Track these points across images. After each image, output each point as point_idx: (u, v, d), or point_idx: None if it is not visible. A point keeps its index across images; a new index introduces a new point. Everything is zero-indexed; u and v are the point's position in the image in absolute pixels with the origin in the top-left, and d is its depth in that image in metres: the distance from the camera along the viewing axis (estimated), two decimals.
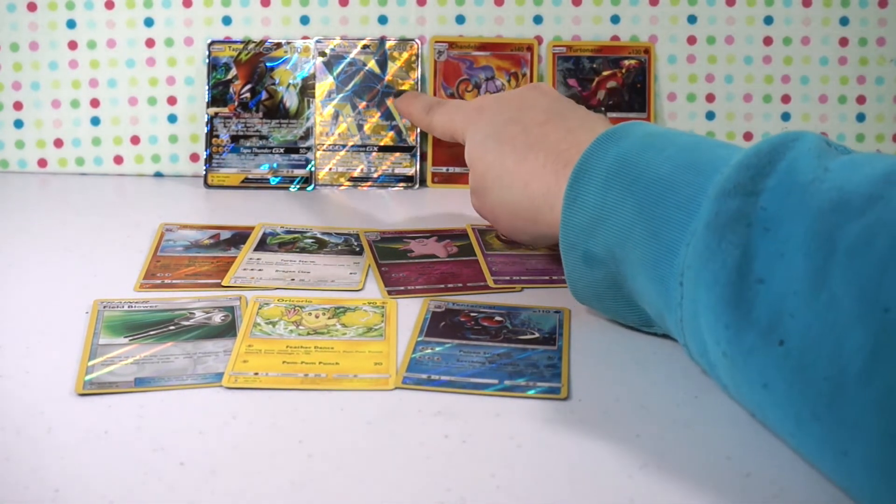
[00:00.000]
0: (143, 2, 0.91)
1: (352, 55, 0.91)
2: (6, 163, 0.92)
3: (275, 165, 0.90)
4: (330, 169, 0.91)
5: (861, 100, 0.92)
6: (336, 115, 0.91)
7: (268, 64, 0.91)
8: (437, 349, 0.63)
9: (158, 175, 0.93)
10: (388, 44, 0.91)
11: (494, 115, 0.72)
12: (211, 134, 0.90)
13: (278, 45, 0.91)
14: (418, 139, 0.91)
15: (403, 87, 0.91)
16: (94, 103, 0.92)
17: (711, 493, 0.50)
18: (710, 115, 0.93)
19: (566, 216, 0.63)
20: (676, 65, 0.92)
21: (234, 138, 0.90)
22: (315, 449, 0.53)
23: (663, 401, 0.58)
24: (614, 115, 0.92)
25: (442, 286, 0.71)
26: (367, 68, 0.91)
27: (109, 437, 0.54)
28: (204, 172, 0.90)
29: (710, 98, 0.93)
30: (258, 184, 0.90)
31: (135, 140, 0.92)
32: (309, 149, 0.90)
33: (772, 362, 0.50)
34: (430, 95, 0.89)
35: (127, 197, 0.89)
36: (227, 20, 0.92)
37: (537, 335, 0.65)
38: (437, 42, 0.92)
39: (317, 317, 0.66)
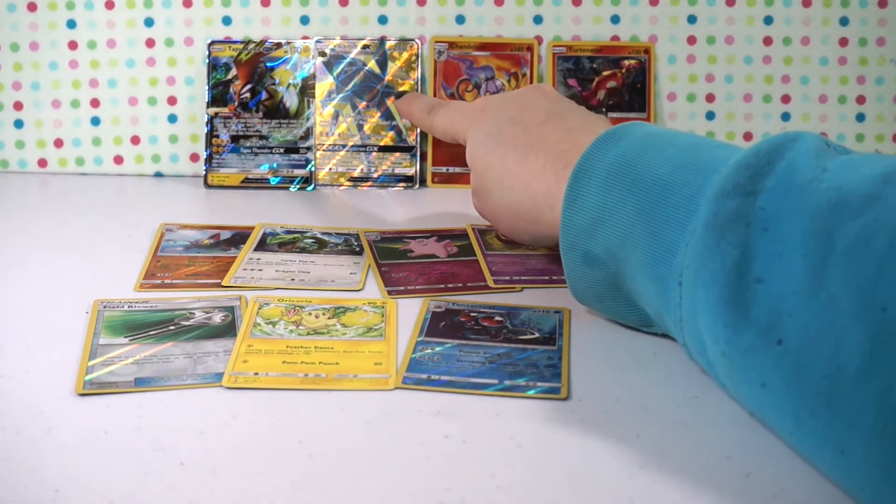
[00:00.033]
0: (143, 2, 0.91)
1: (352, 55, 0.91)
2: (6, 163, 0.92)
3: (275, 165, 0.90)
4: (330, 169, 0.91)
5: (861, 100, 0.92)
6: (336, 115, 0.91)
7: (268, 64, 0.91)
8: (437, 349, 0.63)
9: (158, 175, 0.93)
10: (388, 44, 0.91)
11: (495, 116, 0.72)
12: (211, 134, 0.90)
13: (278, 45, 0.91)
14: (418, 139, 0.91)
15: (403, 88, 0.91)
16: (94, 103, 0.92)
17: (711, 493, 0.50)
18: (710, 115, 0.93)
19: (566, 216, 0.63)
20: (676, 65, 0.92)
21: (234, 138, 0.90)
22: (315, 449, 0.53)
23: (663, 401, 0.58)
24: (614, 115, 0.92)
25: (442, 286, 0.71)
26: (367, 68, 0.91)
27: (109, 437, 0.54)
28: (204, 172, 0.90)
29: (710, 98, 0.93)
30: (258, 184, 0.90)
31: (135, 140, 0.93)
32: (309, 149, 0.90)
33: (770, 361, 0.50)
34: (430, 96, 0.89)
35: (127, 197, 0.89)
36: (227, 20, 0.92)
37: (537, 335, 0.65)
38: (437, 42, 0.92)
39: (317, 317, 0.66)
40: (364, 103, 0.91)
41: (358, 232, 0.80)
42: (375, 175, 0.91)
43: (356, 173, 0.91)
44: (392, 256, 0.76)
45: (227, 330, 0.65)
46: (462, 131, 0.76)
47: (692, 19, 0.92)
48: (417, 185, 0.91)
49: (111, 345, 0.63)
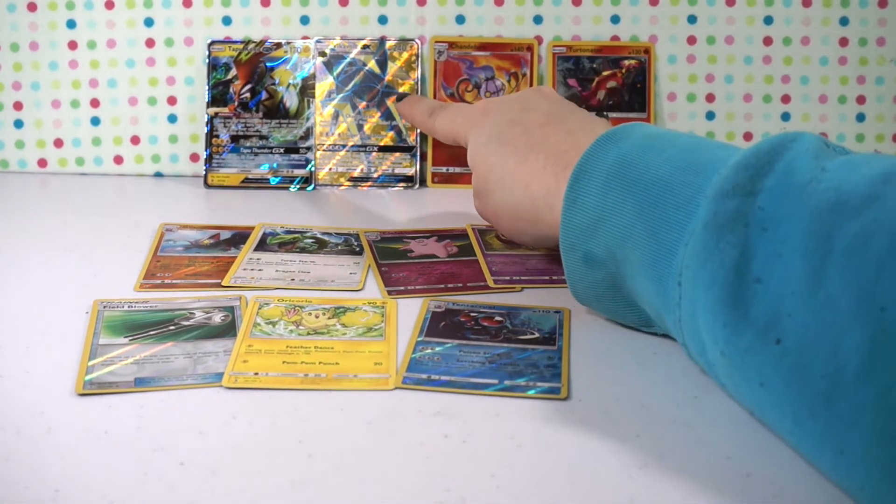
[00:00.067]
0: (143, 2, 0.91)
1: (352, 55, 0.91)
2: (6, 163, 0.92)
3: (275, 165, 0.90)
4: (330, 169, 0.91)
5: (861, 100, 0.92)
6: (336, 115, 0.91)
7: (268, 64, 0.91)
8: (437, 349, 0.63)
9: (158, 175, 0.93)
10: (388, 44, 0.91)
11: (496, 118, 0.72)
12: (211, 134, 0.90)
13: (278, 45, 0.91)
14: (418, 139, 0.91)
15: (403, 88, 0.91)
16: (94, 103, 0.92)
17: (711, 493, 0.50)
18: (710, 115, 0.93)
19: (566, 217, 0.63)
20: (676, 65, 0.92)
21: (234, 138, 0.90)
22: (315, 449, 0.53)
23: (663, 401, 0.58)
24: (614, 115, 0.92)
25: (442, 286, 0.71)
26: (367, 68, 0.91)
27: (109, 437, 0.54)
28: (204, 172, 0.90)
29: (710, 98, 0.93)
30: (258, 184, 0.90)
31: (135, 140, 0.93)
32: (309, 149, 0.90)
33: (769, 361, 0.50)
34: (431, 99, 0.89)
35: (127, 197, 0.89)
36: (227, 20, 0.92)
37: (537, 335, 0.65)
38: (437, 42, 0.92)
39: (317, 317, 0.66)
40: (364, 103, 0.91)
41: (358, 232, 0.80)
42: (375, 175, 0.91)
43: (356, 173, 0.91)
44: (392, 256, 0.76)
45: (227, 330, 0.65)
46: (463, 133, 0.76)
47: (692, 19, 0.92)
48: (417, 185, 0.91)
49: (111, 345, 0.63)
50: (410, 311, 0.67)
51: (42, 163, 0.92)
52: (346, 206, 0.87)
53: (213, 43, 0.91)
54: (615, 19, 0.92)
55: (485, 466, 0.52)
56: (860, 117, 0.93)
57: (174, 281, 0.71)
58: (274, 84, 0.91)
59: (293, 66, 0.91)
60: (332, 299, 0.69)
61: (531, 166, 0.68)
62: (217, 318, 0.66)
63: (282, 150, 0.90)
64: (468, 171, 0.90)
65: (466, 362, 0.61)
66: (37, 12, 0.91)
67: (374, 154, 0.91)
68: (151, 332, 0.64)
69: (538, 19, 0.92)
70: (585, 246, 0.62)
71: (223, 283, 0.71)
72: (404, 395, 0.58)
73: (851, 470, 0.47)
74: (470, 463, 0.52)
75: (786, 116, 0.93)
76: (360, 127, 0.91)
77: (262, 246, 0.77)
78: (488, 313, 0.67)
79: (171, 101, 0.92)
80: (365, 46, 0.91)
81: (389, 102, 0.91)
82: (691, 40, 0.92)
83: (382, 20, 0.92)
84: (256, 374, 0.60)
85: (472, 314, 0.67)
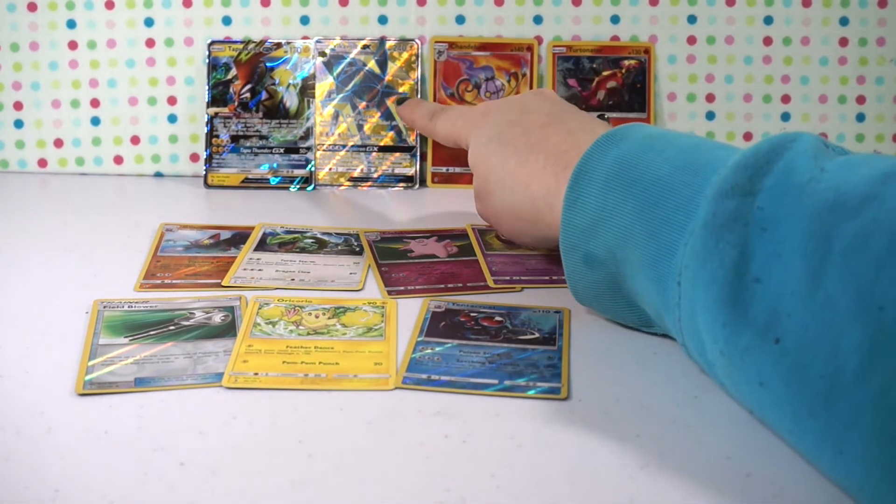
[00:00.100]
0: (143, 2, 0.91)
1: (352, 55, 0.91)
2: (6, 163, 0.92)
3: (275, 165, 0.90)
4: (330, 169, 0.91)
5: (861, 100, 0.92)
6: (336, 115, 0.91)
7: (268, 64, 0.91)
8: (437, 349, 0.63)
9: (158, 175, 0.93)
10: (388, 44, 0.91)
11: (497, 119, 0.73)
12: (211, 134, 0.90)
13: (278, 45, 0.91)
14: (418, 139, 0.91)
15: (403, 88, 0.91)
16: (94, 103, 0.92)
17: (711, 493, 0.50)
18: (710, 115, 0.93)
19: (566, 218, 0.63)
20: (676, 65, 0.92)
21: (234, 138, 0.90)
22: (315, 449, 0.53)
23: (663, 401, 0.58)
24: (614, 115, 0.92)
25: (442, 286, 0.71)
26: (367, 68, 0.91)
27: (109, 437, 0.54)
28: (204, 172, 0.90)
29: (710, 98, 0.93)
30: (258, 184, 0.90)
31: (135, 140, 0.93)
32: (309, 149, 0.90)
33: (769, 361, 0.50)
34: (431, 102, 0.89)
35: (127, 197, 0.89)
36: (227, 20, 0.92)
37: (537, 335, 0.65)
38: (437, 42, 0.92)
39: (317, 317, 0.66)
40: (364, 103, 0.91)
41: (358, 232, 0.80)
42: (375, 175, 0.91)
43: (356, 173, 0.91)
44: (392, 256, 0.76)
45: (227, 330, 0.65)
46: (464, 135, 0.77)
47: (692, 19, 0.92)
48: (417, 185, 0.91)
49: (111, 345, 0.63)
50: (410, 311, 0.67)
51: (42, 163, 0.92)
52: (346, 206, 0.87)
53: (213, 43, 0.91)
54: (615, 19, 0.92)
55: (485, 466, 0.52)
56: (860, 117, 0.93)
57: (174, 281, 0.71)
58: (274, 84, 0.91)
59: (293, 66, 0.91)
60: (332, 299, 0.69)
61: (531, 167, 0.68)
62: (217, 318, 0.66)
63: (282, 150, 0.90)
64: (468, 171, 0.90)
65: (466, 362, 0.61)
66: (37, 12, 0.91)
67: (374, 154, 0.91)
68: (151, 332, 0.64)
69: (538, 19, 0.92)
70: (586, 246, 0.62)
71: (223, 283, 0.71)
72: (404, 395, 0.58)
73: (850, 469, 0.47)
74: (470, 463, 0.52)
75: (786, 116, 0.93)
76: (360, 127, 0.91)
77: (262, 246, 0.77)
78: (488, 313, 0.67)
79: (171, 101, 0.92)
80: (365, 46, 0.91)
81: (389, 103, 0.91)
82: (691, 40, 0.92)
83: (382, 20, 0.92)
84: (256, 374, 0.60)
85: (472, 314, 0.67)
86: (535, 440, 0.54)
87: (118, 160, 0.93)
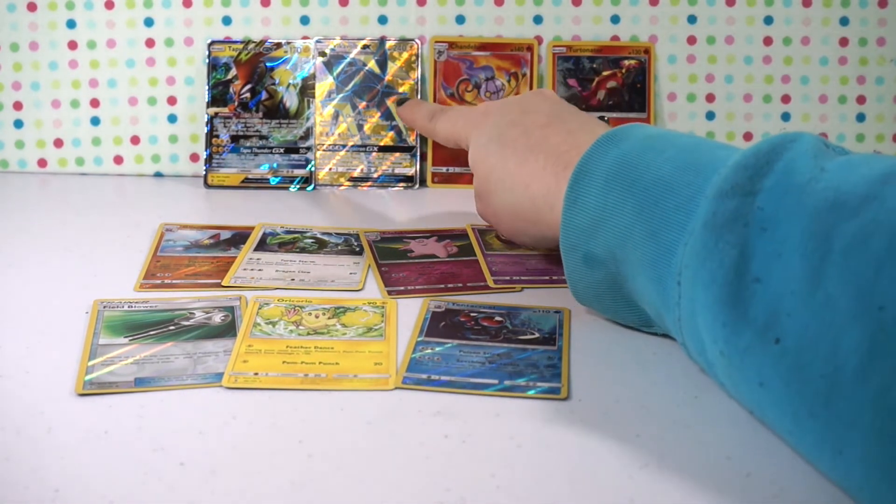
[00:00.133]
0: (143, 2, 0.91)
1: (352, 55, 0.91)
2: (6, 163, 0.92)
3: (275, 165, 0.90)
4: (330, 169, 0.91)
5: (861, 100, 0.92)
6: (336, 115, 0.91)
7: (268, 64, 0.91)
8: (437, 349, 0.63)
9: (158, 175, 0.93)
10: (388, 44, 0.91)
11: (497, 119, 0.73)
12: (211, 134, 0.90)
13: (278, 45, 0.91)
14: (418, 139, 0.91)
15: (403, 88, 0.91)
16: (94, 103, 0.92)
17: (711, 493, 0.50)
18: (710, 115, 0.93)
19: (566, 217, 0.63)
20: (676, 65, 0.92)
21: (234, 138, 0.90)
22: (315, 449, 0.53)
23: (663, 401, 0.58)
24: (614, 115, 0.92)
25: (442, 286, 0.71)
26: (367, 68, 0.91)
27: (109, 437, 0.54)
28: (204, 172, 0.90)
29: (710, 98, 0.93)
30: (258, 184, 0.90)
31: (135, 140, 0.93)
32: (309, 149, 0.90)
33: (768, 361, 0.50)
34: (431, 103, 0.89)
35: (127, 197, 0.89)
36: (227, 20, 0.92)
37: (537, 335, 0.65)
38: (437, 42, 0.92)
39: (317, 317, 0.66)
40: (364, 103, 0.91)
41: (358, 232, 0.80)
42: (375, 175, 0.91)
43: (356, 173, 0.91)
44: (392, 256, 0.76)
45: (227, 330, 0.65)
46: (464, 136, 0.77)
47: (692, 19, 0.92)
48: (417, 185, 0.91)
49: (111, 345, 0.63)
50: (410, 311, 0.67)
51: (42, 163, 0.92)
52: (346, 206, 0.87)
53: (213, 43, 0.91)
54: (615, 19, 0.92)
55: (485, 466, 0.52)
56: (860, 117, 0.93)
57: (174, 281, 0.71)
58: (274, 84, 0.91)
59: (293, 66, 0.91)
60: (332, 299, 0.69)
61: (531, 167, 0.68)
62: (217, 318, 0.66)
63: (282, 150, 0.90)
64: (468, 171, 0.90)
65: (466, 362, 0.61)
66: (37, 12, 0.91)
67: (374, 154, 0.91)
68: (151, 332, 0.64)
69: (538, 19, 0.92)
70: (586, 246, 0.62)
71: (223, 283, 0.71)
72: (404, 395, 0.58)
73: (850, 469, 0.47)
74: (470, 463, 0.52)
75: (786, 116, 0.93)
76: (360, 127, 0.91)
77: (262, 246, 0.77)
78: (488, 313, 0.67)
79: (171, 101, 0.92)
80: (365, 46, 0.91)
81: (389, 103, 0.91)
82: (691, 40, 0.92)
83: (382, 20, 0.92)
84: (256, 374, 0.60)
85: (472, 314, 0.67)
86: (535, 440, 0.54)
87: (118, 160, 0.93)
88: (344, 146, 0.91)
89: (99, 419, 0.55)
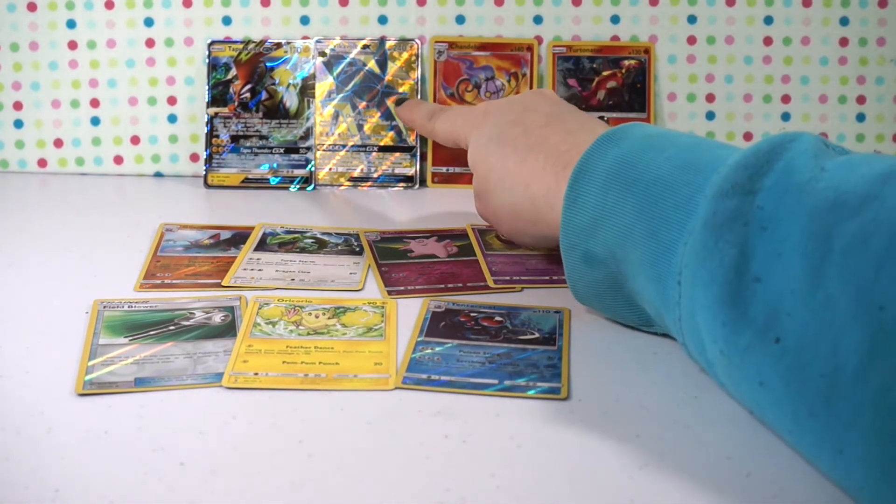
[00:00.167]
0: (143, 2, 0.91)
1: (352, 55, 0.91)
2: (6, 163, 0.92)
3: (275, 165, 0.90)
4: (330, 169, 0.91)
5: (861, 100, 0.92)
6: (336, 115, 0.91)
7: (268, 64, 0.91)
8: (437, 349, 0.63)
9: (158, 175, 0.93)
10: (388, 44, 0.91)
11: (497, 119, 0.73)
12: (211, 134, 0.90)
13: (278, 45, 0.91)
14: (418, 139, 0.91)
15: (403, 88, 0.91)
16: (94, 103, 0.92)
17: (711, 493, 0.50)
18: (710, 115, 0.93)
19: (566, 217, 0.63)
20: (676, 65, 0.92)
21: (234, 138, 0.90)
22: (315, 449, 0.53)
23: (663, 401, 0.58)
24: (614, 115, 0.92)
25: (442, 286, 0.71)
26: (367, 68, 0.91)
27: (109, 437, 0.54)
28: (204, 172, 0.90)
29: (710, 98, 0.93)
30: (258, 184, 0.90)
31: (135, 140, 0.93)
32: (309, 149, 0.90)
33: (769, 360, 0.50)
34: (430, 102, 0.89)
35: (127, 197, 0.89)
36: (227, 20, 0.92)
37: (537, 335, 0.65)
38: (437, 42, 0.92)
39: (317, 317, 0.66)
40: (364, 103, 0.91)
41: (358, 232, 0.80)
42: (375, 175, 0.91)
43: (356, 173, 0.91)
44: (392, 256, 0.76)
45: (227, 330, 0.65)
46: (464, 135, 0.77)
47: (692, 19, 0.92)
48: (417, 185, 0.91)
49: (111, 345, 0.63)
50: (410, 311, 0.67)
51: (42, 163, 0.92)
52: (346, 206, 0.87)
53: (213, 43, 0.91)
54: (615, 19, 0.92)
55: (485, 466, 0.52)
56: (860, 117, 0.93)
57: (174, 281, 0.71)
58: (274, 84, 0.91)
59: (293, 66, 0.91)
60: (332, 299, 0.69)
61: (531, 166, 0.68)
62: (217, 318, 0.66)
63: (282, 150, 0.90)
64: (468, 171, 0.90)
65: (466, 362, 0.61)
66: (37, 12, 0.91)
67: (374, 154, 0.91)
68: (151, 332, 0.64)
69: (538, 19, 0.92)
70: (585, 245, 0.62)
71: (223, 283, 0.71)
72: (404, 395, 0.58)
73: (850, 469, 0.47)
74: (470, 463, 0.52)
75: (786, 116, 0.93)
76: (360, 127, 0.91)
77: (262, 246, 0.77)
78: (488, 313, 0.67)
79: (171, 101, 0.92)
80: (365, 46, 0.91)
81: (389, 103, 0.91)
82: (691, 40, 0.92)
83: (382, 20, 0.92)
84: (256, 374, 0.60)
85: (472, 314, 0.67)
86: (535, 440, 0.54)
87: (118, 160, 0.93)
88: (344, 146, 0.91)
89: (99, 419, 0.55)
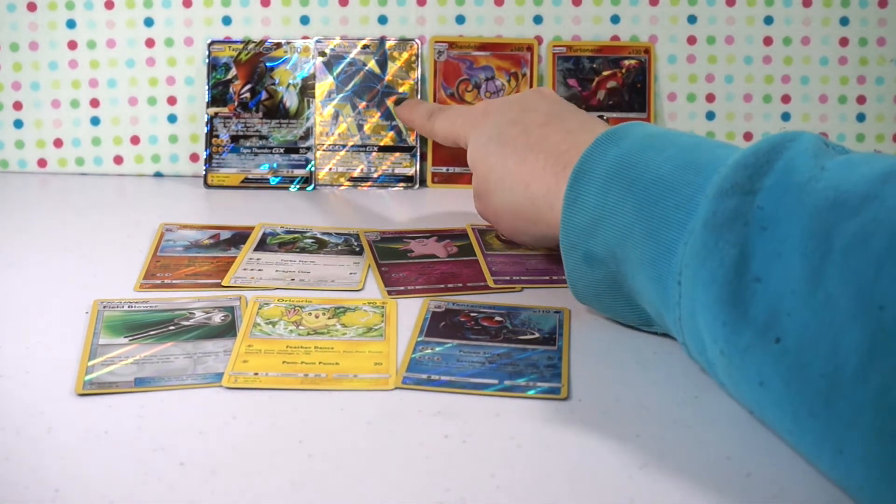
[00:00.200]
0: (143, 2, 0.91)
1: (352, 55, 0.91)
2: (6, 163, 0.92)
3: (275, 165, 0.90)
4: (330, 169, 0.91)
5: (861, 100, 0.92)
6: (336, 115, 0.91)
7: (268, 64, 0.91)
8: (437, 349, 0.63)
9: (158, 175, 0.93)
10: (388, 44, 0.91)
11: (497, 118, 0.73)
12: (211, 134, 0.90)
13: (278, 45, 0.91)
14: (418, 139, 0.91)
15: (403, 88, 0.91)
16: (94, 103, 0.92)
17: (711, 493, 0.50)
18: (710, 115, 0.93)
19: (566, 216, 0.63)
20: (676, 65, 0.92)
21: (234, 138, 0.90)
22: (315, 449, 0.53)
23: (663, 401, 0.58)
24: (614, 115, 0.92)
25: (442, 286, 0.71)
26: (367, 68, 0.91)
27: (109, 437, 0.54)
28: (204, 172, 0.90)
29: (710, 98, 0.93)
30: (258, 184, 0.90)
31: (135, 140, 0.93)
32: (309, 149, 0.90)
33: (769, 360, 0.50)
34: (430, 102, 0.89)
35: (127, 197, 0.89)
36: (227, 20, 0.92)
37: (537, 335, 0.65)
38: (437, 42, 0.92)
39: (317, 317, 0.66)
40: (364, 103, 0.91)
41: (358, 232, 0.80)
42: (375, 175, 0.91)
43: (356, 173, 0.91)
44: (392, 256, 0.76)
45: (227, 330, 0.65)
46: (463, 135, 0.77)
47: (692, 19, 0.92)
48: (417, 185, 0.91)
49: (111, 345, 0.63)
50: (410, 311, 0.67)
51: (42, 163, 0.92)
52: (346, 206, 0.87)
53: (213, 43, 0.91)
54: (615, 19, 0.92)
55: (485, 466, 0.52)
56: (860, 117, 0.93)
57: (174, 281, 0.71)
58: (274, 84, 0.91)
59: (293, 66, 0.91)
60: (332, 299, 0.69)
61: (531, 166, 0.68)
62: (217, 318, 0.66)
63: (282, 150, 0.90)
64: (468, 171, 0.90)
65: (466, 362, 0.61)
66: (37, 12, 0.91)
67: (374, 154, 0.91)
68: (151, 332, 0.64)
69: (538, 19, 0.92)
70: (585, 245, 0.62)
71: (223, 283, 0.71)
72: (404, 395, 0.58)
73: (850, 469, 0.47)
74: (470, 463, 0.52)
75: (786, 116, 0.93)
76: (360, 127, 0.91)
77: (262, 246, 0.77)
78: (488, 313, 0.67)
79: (171, 101, 0.92)
80: (365, 46, 0.91)
81: (389, 102, 0.91)
82: (691, 40, 0.92)
83: (382, 20, 0.92)
84: (256, 374, 0.60)
85: (472, 314, 0.67)
86: (535, 440, 0.54)
87: (118, 160, 0.93)
88: (344, 146, 0.91)
89: (99, 419, 0.55)
